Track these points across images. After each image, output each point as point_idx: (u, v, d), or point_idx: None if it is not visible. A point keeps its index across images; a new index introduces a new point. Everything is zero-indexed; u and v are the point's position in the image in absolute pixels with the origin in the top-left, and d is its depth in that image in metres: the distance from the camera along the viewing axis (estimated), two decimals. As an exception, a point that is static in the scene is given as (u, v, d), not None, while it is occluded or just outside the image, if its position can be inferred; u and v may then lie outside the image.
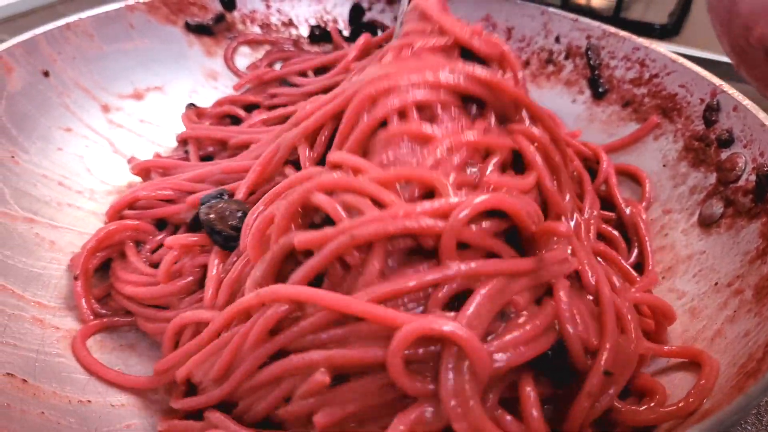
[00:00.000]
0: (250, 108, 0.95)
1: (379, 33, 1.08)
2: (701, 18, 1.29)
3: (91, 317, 0.66)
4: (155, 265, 0.68)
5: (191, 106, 0.94)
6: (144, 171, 0.80)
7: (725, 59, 1.14)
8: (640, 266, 0.71)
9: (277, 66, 1.03)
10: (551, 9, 0.97)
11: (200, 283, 0.64)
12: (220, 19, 1.04)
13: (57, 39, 0.86)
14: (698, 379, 0.52)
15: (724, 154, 0.71)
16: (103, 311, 0.67)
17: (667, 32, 1.23)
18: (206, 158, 0.83)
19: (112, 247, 0.71)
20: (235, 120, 0.91)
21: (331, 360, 0.47)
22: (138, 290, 0.66)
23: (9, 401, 0.52)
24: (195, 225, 0.67)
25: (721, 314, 0.59)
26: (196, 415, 0.55)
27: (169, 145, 0.91)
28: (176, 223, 0.72)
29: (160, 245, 0.71)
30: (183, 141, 0.86)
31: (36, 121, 0.81)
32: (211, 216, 0.63)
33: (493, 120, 0.62)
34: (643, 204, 0.76)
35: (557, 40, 0.96)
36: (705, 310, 0.62)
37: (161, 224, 0.73)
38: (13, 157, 0.75)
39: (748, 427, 0.59)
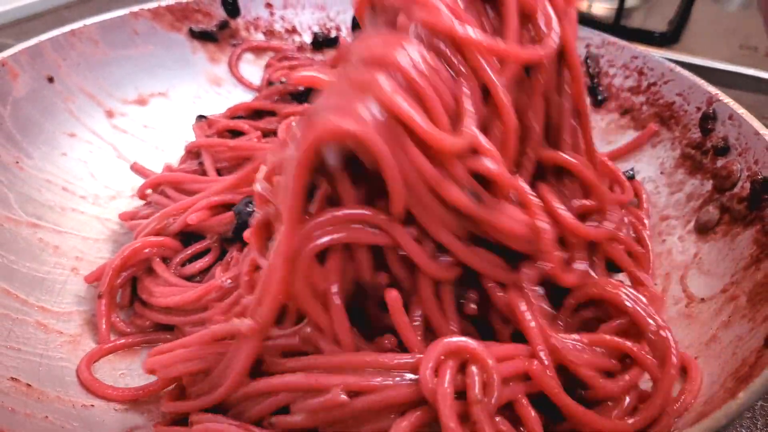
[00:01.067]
0: (261, 114, 0.95)
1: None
2: (700, 26, 1.31)
3: (109, 338, 0.65)
4: (186, 279, 0.69)
5: (201, 117, 0.93)
6: (156, 185, 0.80)
7: (723, 66, 1.15)
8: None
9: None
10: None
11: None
12: (224, 25, 1.05)
13: (62, 45, 0.87)
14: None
15: (720, 162, 0.72)
16: (129, 330, 0.67)
17: (666, 40, 1.24)
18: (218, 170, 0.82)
19: (137, 265, 0.70)
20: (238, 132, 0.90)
21: (347, 384, 0.47)
22: (185, 296, 0.64)
23: (14, 405, 0.52)
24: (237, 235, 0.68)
25: (716, 320, 0.60)
26: (184, 421, 0.55)
27: (172, 151, 0.92)
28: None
29: (188, 259, 0.71)
30: (191, 151, 0.86)
31: (40, 127, 0.82)
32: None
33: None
34: (642, 213, 0.77)
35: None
36: (700, 316, 0.62)
37: (185, 240, 0.73)
38: (17, 162, 0.76)
39: (743, 431, 0.60)
